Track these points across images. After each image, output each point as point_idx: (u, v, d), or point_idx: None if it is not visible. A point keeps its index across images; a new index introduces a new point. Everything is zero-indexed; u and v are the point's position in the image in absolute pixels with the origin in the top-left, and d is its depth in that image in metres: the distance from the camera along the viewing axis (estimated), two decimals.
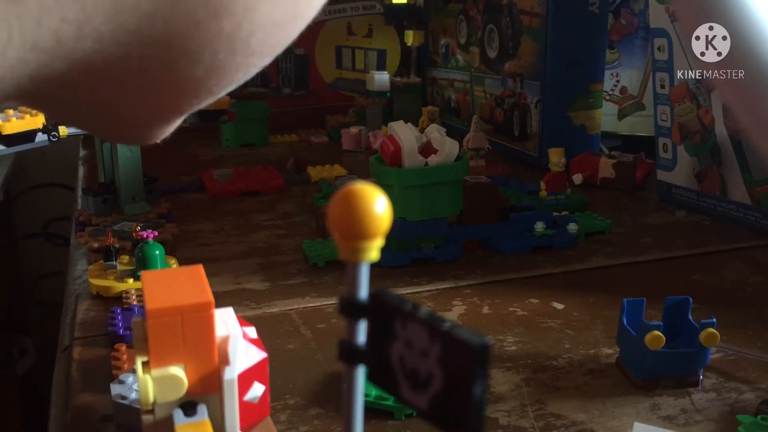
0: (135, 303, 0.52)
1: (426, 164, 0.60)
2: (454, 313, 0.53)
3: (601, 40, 0.90)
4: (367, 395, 0.40)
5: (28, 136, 0.61)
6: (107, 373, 0.43)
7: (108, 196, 0.69)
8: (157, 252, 0.54)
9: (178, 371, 0.27)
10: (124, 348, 0.45)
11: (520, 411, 0.41)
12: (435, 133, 0.61)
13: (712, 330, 0.41)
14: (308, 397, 0.42)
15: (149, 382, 0.27)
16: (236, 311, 0.31)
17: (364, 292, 0.18)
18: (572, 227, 0.66)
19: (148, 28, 0.17)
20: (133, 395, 0.36)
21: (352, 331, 0.18)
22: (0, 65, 0.15)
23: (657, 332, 0.41)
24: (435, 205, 0.60)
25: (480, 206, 0.64)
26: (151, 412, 0.27)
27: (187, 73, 0.19)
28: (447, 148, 0.60)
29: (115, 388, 0.36)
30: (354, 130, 1.06)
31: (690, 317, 0.44)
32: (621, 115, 1.02)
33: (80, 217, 0.69)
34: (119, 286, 0.55)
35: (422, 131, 0.61)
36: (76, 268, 0.62)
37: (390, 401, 0.40)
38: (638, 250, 0.65)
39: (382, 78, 1.17)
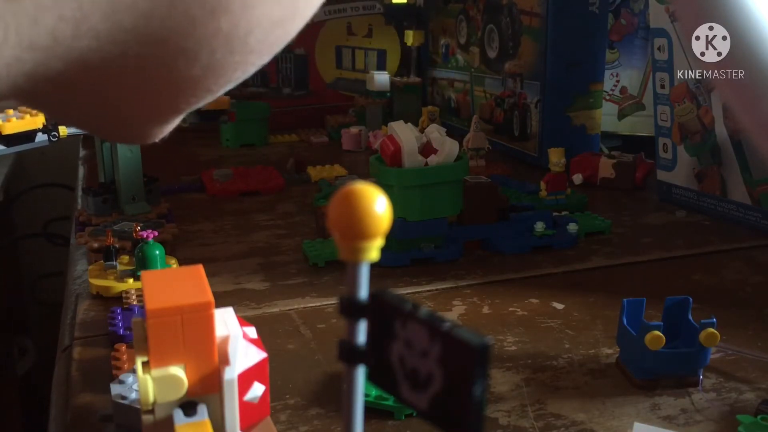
0: (135, 303, 0.52)
1: (426, 164, 0.60)
2: (454, 313, 0.53)
3: (601, 40, 0.90)
4: (367, 395, 0.40)
5: (28, 136, 0.61)
6: (107, 373, 0.43)
7: (108, 196, 0.69)
8: (157, 252, 0.54)
9: (178, 371, 0.27)
10: (124, 348, 0.45)
11: (520, 411, 0.41)
12: (435, 133, 0.61)
13: (712, 330, 0.41)
14: (308, 397, 0.42)
15: (149, 382, 0.27)
16: (236, 311, 0.31)
17: (364, 292, 0.18)
18: (572, 227, 0.66)
19: (145, 26, 0.17)
20: (133, 395, 0.36)
21: (352, 331, 0.18)
22: None
23: (657, 332, 0.41)
24: (435, 205, 0.60)
25: (480, 206, 0.64)
26: (151, 412, 0.27)
27: (185, 72, 0.19)
28: (447, 148, 0.60)
29: (115, 388, 0.36)
30: (354, 130, 1.06)
31: (690, 317, 0.44)
32: (621, 115, 1.02)
33: (80, 217, 0.69)
34: (119, 286, 0.55)
35: (422, 131, 0.61)
36: (76, 268, 0.62)
37: (390, 401, 0.40)
38: (638, 250, 0.65)
39: (382, 78, 1.17)
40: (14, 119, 0.59)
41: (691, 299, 0.44)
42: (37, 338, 1.47)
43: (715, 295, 0.56)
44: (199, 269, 0.29)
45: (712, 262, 0.63)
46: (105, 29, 0.16)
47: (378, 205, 0.17)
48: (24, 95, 0.19)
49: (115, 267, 0.56)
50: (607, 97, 1.00)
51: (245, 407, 0.29)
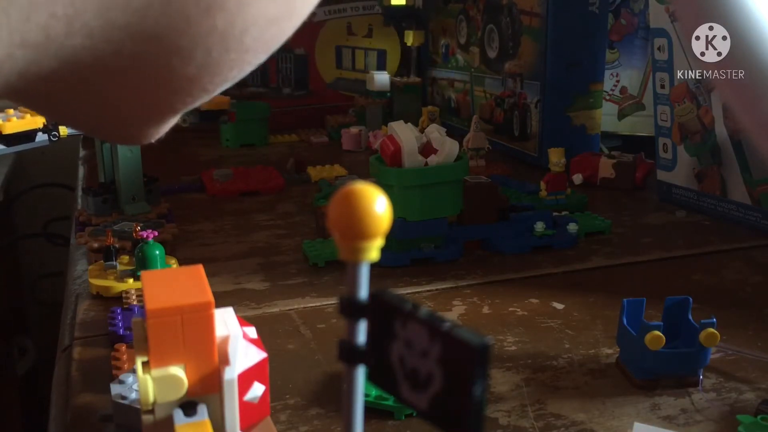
0: (135, 303, 0.52)
1: (426, 164, 0.60)
2: (454, 313, 0.53)
3: (601, 40, 0.90)
4: (367, 395, 0.40)
5: (28, 136, 0.61)
6: (107, 373, 0.43)
7: (108, 196, 0.69)
8: (157, 252, 0.54)
9: (178, 371, 0.27)
10: (124, 348, 0.45)
11: (520, 411, 0.41)
12: (435, 133, 0.61)
13: (712, 330, 0.41)
14: (308, 397, 0.42)
15: (149, 382, 0.27)
16: (236, 311, 0.31)
17: (364, 292, 0.18)
18: (572, 227, 0.66)
19: (139, 24, 0.17)
20: (133, 395, 0.36)
21: (352, 331, 0.18)
22: None
23: (657, 332, 0.41)
24: (435, 205, 0.60)
25: (480, 206, 0.64)
26: (151, 412, 0.27)
27: (180, 71, 0.19)
28: (447, 148, 0.60)
29: (115, 388, 0.36)
30: (354, 130, 1.06)
31: (690, 317, 0.44)
32: (621, 115, 1.02)
33: (80, 217, 0.69)
34: (119, 286, 0.55)
35: (422, 131, 0.61)
36: (76, 268, 0.62)
37: (390, 401, 0.40)
38: (638, 250, 0.65)
39: (382, 78, 1.17)
40: (14, 119, 0.59)
41: (691, 299, 0.44)
42: (37, 338, 1.47)
43: (715, 295, 0.56)
44: (199, 269, 0.29)
45: (712, 262, 0.63)
46: (98, 27, 0.16)
47: (378, 205, 0.17)
48: (17, 94, 0.19)
49: (115, 267, 0.56)
50: (607, 97, 1.00)
51: (245, 407, 0.29)
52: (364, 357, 0.18)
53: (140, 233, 0.55)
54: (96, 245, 0.62)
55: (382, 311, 0.18)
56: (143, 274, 0.29)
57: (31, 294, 1.50)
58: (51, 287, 1.31)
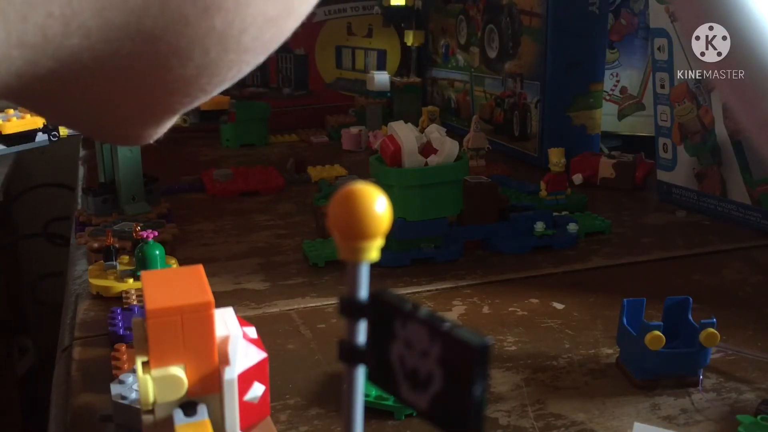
0: (135, 303, 0.52)
1: (426, 164, 0.60)
2: (454, 313, 0.53)
3: (601, 40, 0.90)
4: (367, 395, 0.40)
5: (28, 136, 0.61)
6: (107, 373, 0.43)
7: (108, 196, 0.69)
8: (157, 252, 0.54)
9: (178, 371, 0.27)
10: (124, 348, 0.45)
11: (520, 411, 0.41)
12: (435, 133, 0.61)
13: (712, 330, 0.41)
14: (308, 397, 0.42)
15: (149, 382, 0.27)
16: (236, 311, 0.31)
17: (364, 292, 0.18)
18: (572, 227, 0.66)
19: (137, 24, 0.17)
20: (133, 395, 0.36)
21: (352, 331, 0.18)
22: None
23: (657, 332, 0.41)
24: (435, 205, 0.60)
25: (480, 206, 0.64)
26: (151, 412, 0.27)
27: (178, 71, 0.19)
28: (447, 148, 0.60)
29: (115, 388, 0.36)
30: (354, 130, 1.06)
31: (690, 317, 0.44)
32: (621, 115, 1.02)
33: (80, 217, 0.69)
34: (119, 286, 0.55)
35: (422, 131, 0.61)
36: (76, 268, 0.62)
37: (390, 401, 0.40)
38: (638, 250, 0.65)
39: (382, 78, 1.17)
40: (14, 119, 0.59)
41: (691, 299, 0.44)
42: (37, 338, 1.47)
43: (715, 295, 0.56)
44: (199, 269, 0.29)
45: (712, 262, 0.63)
46: (96, 27, 0.16)
47: (378, 205, 0.17)
48: (14, 95, 0.19)
49: (115, 267, 0.56)
50: (607, 97, 1.00)
51: (245, 407, 0.29)
52: (364, 357, 0.18)
53: (140, 233, 0.55)
54: (96, 245, 0.62)
55: (382, 311, 0.18)
56: (143, 274, 0.29)
57: (31, 294, 1.50)
58: (51, 287, 1.30)
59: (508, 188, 0.79)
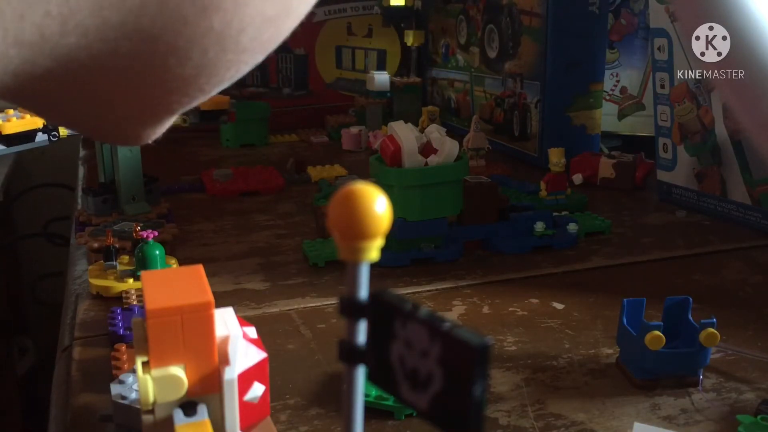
0: (135, 303, 0.52)
1: (426, 164, 0.60)
2: (454, 313, 0.53)
3: (601, 40, 0.90)
4: (367, 395, 0.40)
5: (28, 136, 0.61)
6: (107, 373, 0.43)
7: (108, 196, 0.69)
8: (157, 252, 0.54)
9: (178, 371, 0.27)
10: (124, 348, 0.45)
11: (520, 411, 0.41)
12: (435, 133, 0.61)
13: (712, 330, 0.41)
14: (308, 397, 0.42)
15: (149, 382, 0.27)
16: (236, 311, 0.31)
17: (364, 292, 0.18)
18: (572, 227, 0.66)
19: (135, 23, 0.17)
20: (133, 395, 0.36)
21: (352, 331, 0.18)
22: None
23: (657, 332, 0.41)
24: (435, 205, 0.60)
25: (480, 206, 0.64)
26: (151, 412, 0.27)
27: (177, 71, 0.19)
28: (447, 148, 0.60)
29: (115, 388, 0.36)
30: (354, 130, 1.06)
31: (690, 317, 0.44)
32: (621, 115, 1.02)
33: (80, 217, 0.69)
34: (119, 286, 0.55)
35: (422, 131, 0.61)
36: (76, 268, 0.62)
37: (390, 401, 0.40)
38: (638, 250, 0.65)
39: (382, 78, 1.17)
40: (14, 119, 0.59)
41: (691, 299, 0.44)
42: (37, 338, 1.47)
43: (715, 295, 0.56)
44: (199, 269, 0.29)
45: (712, 262, 0.63)
46: (93, 26, 0.16)
47: (378, 205, 0.17)
48: (12, 94, 0.19)
49: (115, 267, 0.56)
50: (607, 97, 1.00)
51: (245, 407, 0.29)
52: (364, 357, 0.18)
53: (140, 233, 0.55)
54: (96, 245, 0.62)
55: (382, 311, 0.18)
56: (143, 274, 0.29)
57: (31, 294, 1.50)
58: (51, 287, 1.31)
59: (508, 188, 0.79)
